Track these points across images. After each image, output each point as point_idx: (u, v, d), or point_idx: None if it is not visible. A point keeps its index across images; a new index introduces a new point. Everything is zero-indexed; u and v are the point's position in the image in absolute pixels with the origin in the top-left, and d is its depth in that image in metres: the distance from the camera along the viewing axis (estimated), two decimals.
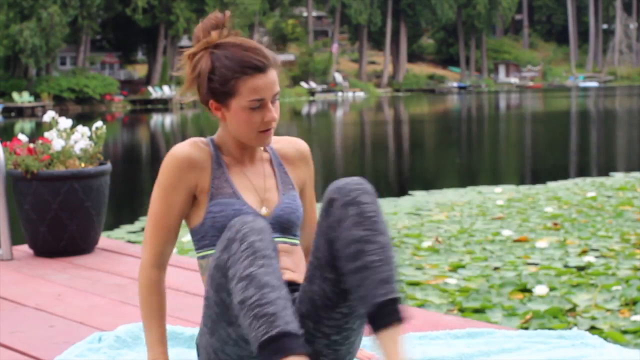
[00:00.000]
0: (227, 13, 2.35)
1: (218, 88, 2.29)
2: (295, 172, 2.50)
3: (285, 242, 2.39)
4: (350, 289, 2.14)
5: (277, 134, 2.48)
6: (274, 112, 2.33)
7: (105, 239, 5.22)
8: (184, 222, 2.40)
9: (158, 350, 2.36)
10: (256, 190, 2.39)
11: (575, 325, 4.87)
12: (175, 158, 2.33)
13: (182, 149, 2.35)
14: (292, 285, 2.35)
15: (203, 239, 2.35)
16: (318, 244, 2.25)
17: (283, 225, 2.38)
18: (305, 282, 2.28)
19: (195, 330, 3.03)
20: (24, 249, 4.94)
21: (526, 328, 4.65)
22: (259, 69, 2.29)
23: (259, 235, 2.11)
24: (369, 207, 2.19)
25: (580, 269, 6.34)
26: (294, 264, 2.40)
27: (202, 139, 2.41)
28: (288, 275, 2.36)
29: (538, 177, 14.03)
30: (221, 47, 2.31)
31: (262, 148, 2.45)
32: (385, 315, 2.06)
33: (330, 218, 2.22)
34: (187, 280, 3.93)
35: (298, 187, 2.49)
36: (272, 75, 2.33)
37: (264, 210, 2.37)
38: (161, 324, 2.37)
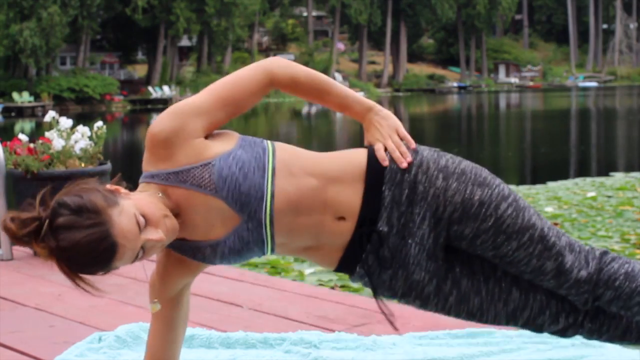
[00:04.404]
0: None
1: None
2: (178, 156, 2.09)
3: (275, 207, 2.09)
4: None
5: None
6: (154, 234, 2.01)
7: None
8: None
9: None
10: (209, 221, 2.11)
11: None
12: None
13: None
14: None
15: None
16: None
17: (250, 194, 2.07)
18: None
19: (195, 331, 3.03)
20: (24, 249, 4.94)
21: None
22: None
23: None
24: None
25: None
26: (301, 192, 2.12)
27: None
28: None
29: (538, 177, 14.02)
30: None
31: (159, 193, 2.11)
32: None
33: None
34: None
35: (196, 152, 2.08)
36: (122, 234, 1.96)
37: (230, 227, 2.11)
38: None
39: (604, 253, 2.21)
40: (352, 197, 2.13)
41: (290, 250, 2.21)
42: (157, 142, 2.08)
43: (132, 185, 2.15)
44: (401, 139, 2.18)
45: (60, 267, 1.97)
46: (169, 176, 2.08)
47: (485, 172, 2.18)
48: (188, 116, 2.08)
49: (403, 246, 2.15)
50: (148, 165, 2.12)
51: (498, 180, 2.17)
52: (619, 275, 2.16)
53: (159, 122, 2.09)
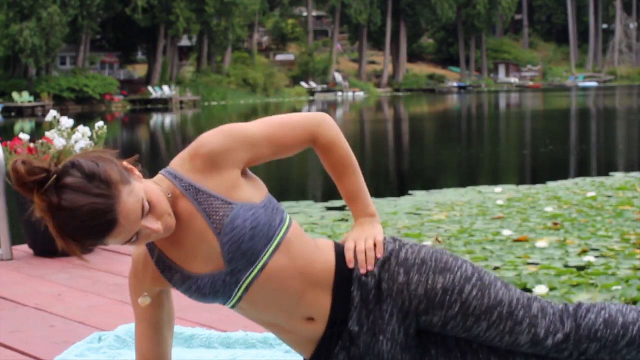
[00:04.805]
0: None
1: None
2: (213, 177, 2.07)
3: (263, 266, 2.08)
4: None
5: None
6: (153, 224, 1.99)
7: None
8: None
9: None
10: (195, 250, 2.09)
11: None
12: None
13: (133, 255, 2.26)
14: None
15: None
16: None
17: (246, 255, 2.06)
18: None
19: (195, 331, 3.03)
20: (24, 249, 4.94)
21: None
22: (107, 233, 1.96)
23: None
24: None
25: (580, 268, 6.34)
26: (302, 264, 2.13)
27: None
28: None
29: (538, 177, 14.03)
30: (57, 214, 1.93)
31: (170, 193, 2.08)
32: None
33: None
34: None
35: (228, 185, 2.07)
36: (125, 214, 1.94)
37: (210, 268, 2.09)
38: None
39: (578, 307, 2.19)
40: (323, 301, 2.14)
41: (253, 319, 2.22)
42: (201, 153, 2.06)
43: (147, 173, 2.12)
44: (375, 245, 2.18)
45: (52, 225, 1.94)
46: (190, 187, 2.06)
47: (446, 256, 2.16)
48: (240, 143, 2.08)
49: (375, 343, 2.14)
50: (179, 166, 2.09)
51: (460, 261, 2.16)
52: (598, 326, 2.14)
53: (212, 136, 2.07)
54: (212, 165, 2.05)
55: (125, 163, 2.03)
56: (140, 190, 1.98)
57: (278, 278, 2.09)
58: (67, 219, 1.91)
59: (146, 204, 1.98)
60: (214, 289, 2.10)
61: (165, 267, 2.14)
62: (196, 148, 2.07)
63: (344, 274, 2.14)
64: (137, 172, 2.04)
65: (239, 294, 2.10)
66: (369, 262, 2.14)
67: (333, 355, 2.17)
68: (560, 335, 2.13)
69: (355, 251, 2.16)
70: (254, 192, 2.10)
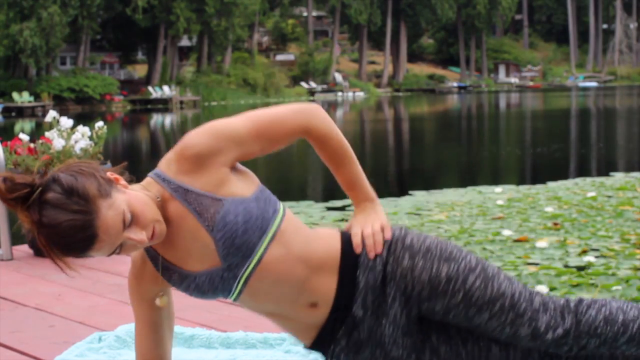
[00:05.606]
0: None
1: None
2: (200, 176, 2.04)
3: (259, 261, 2.07)
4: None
5: None
6: (137, 234, 1.98)
7: None
8: None
9: None
10: (189, 249, 2.07)
11: None
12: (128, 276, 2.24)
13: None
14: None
15: None
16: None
17: (241, 250, 2.05)
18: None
19: (195, 331, 3.03)
20: (24, 249, 4.94)
21: None
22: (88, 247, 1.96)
23: None
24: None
25: (580, 268, 6.34)
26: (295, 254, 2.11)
27: None
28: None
29: (538, 177, 14.02)
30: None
31: (160, 197, 2.06)
32: None
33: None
34: None
35: (216, 182, 2.04)
36: (104, 228, 1.93)
37: (206, 266, 2.08)
38: None
39: (579, 302, 2.20)
40: (327, 285, 2.13)
41: (254, 310, 2.21)
42: (188, 155, 2.03)
43: (135, 178, 2.10)
44: (381, 229, 2.18)
45: (38, 238, 1.95)
46: (178, 189, 2.04)
47: (450, 246, 2.17)
48: (227, 142, 2.04)
49: (378, 326, 2.15)
50: (166, 167, 2.06)
51: (464, 252, 2.17)
52: (598, 323, 2.16)
53: (198, 136, 2.04)
54: (199, 166, 2.02)
55: (109, 173, 2.01)
56: (122, 202, 1.96)
57: (277, 268, 2.07)
58: (48, 234, 1.92)
59: (127, 216, 1.96)
60: (213, 285, 2.09)
61: (163, 268, 2.13)
62: (182, 150, 2.04)
63: (349, 259, 2.14)
64: (122, 182, 2.02)
65: (238, 288, 2.08)
66: (377, 245, 2.14)
67: (335, 340, 2.16)
68: (560, 330, 2.15)
69: (362, 236, 2.16)
70: (243, 186, 2.07)
